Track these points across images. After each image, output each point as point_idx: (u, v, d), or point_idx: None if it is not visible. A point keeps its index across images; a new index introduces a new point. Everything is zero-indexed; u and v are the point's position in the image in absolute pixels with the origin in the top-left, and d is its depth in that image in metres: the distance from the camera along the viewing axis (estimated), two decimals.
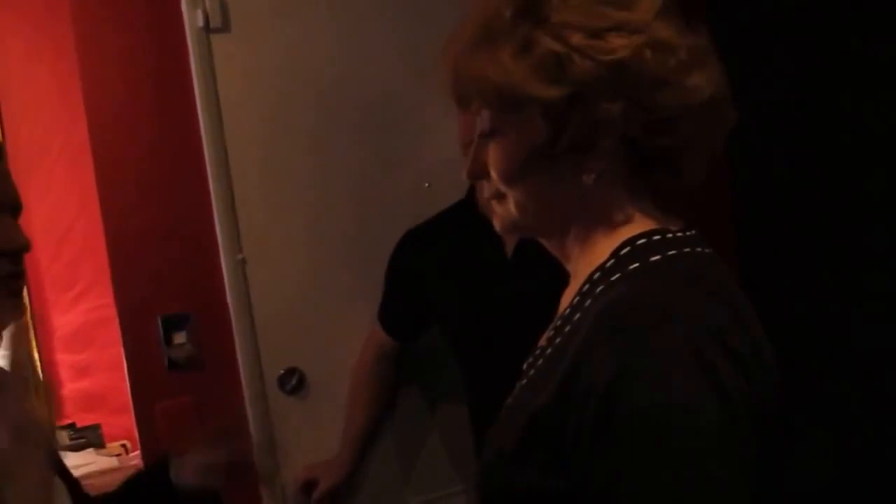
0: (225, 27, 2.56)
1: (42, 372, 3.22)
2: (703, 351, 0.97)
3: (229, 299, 2.58)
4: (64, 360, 3.28)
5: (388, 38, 2.67)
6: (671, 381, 0.95)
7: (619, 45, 1.04)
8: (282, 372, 2.60)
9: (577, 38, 1.04)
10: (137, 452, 2.69)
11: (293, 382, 2.60)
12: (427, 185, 2.65)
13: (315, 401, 2.62)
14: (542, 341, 1.21)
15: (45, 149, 3.24)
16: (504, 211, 1.19)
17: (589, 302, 1.10)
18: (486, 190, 1.21)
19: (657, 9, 1.08)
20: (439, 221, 2.40)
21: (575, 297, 1.14)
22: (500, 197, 1.18)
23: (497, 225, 1.22)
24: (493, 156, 1.16)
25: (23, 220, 1.44)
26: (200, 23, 2.53)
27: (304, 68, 2.62)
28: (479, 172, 1.20)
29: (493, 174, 1.16)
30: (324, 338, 2.63)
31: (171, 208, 2.58)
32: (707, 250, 1.13)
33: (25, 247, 1.38)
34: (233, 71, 2.57)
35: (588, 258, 1.15)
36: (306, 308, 2.62)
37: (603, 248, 1.13)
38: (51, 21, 3.14)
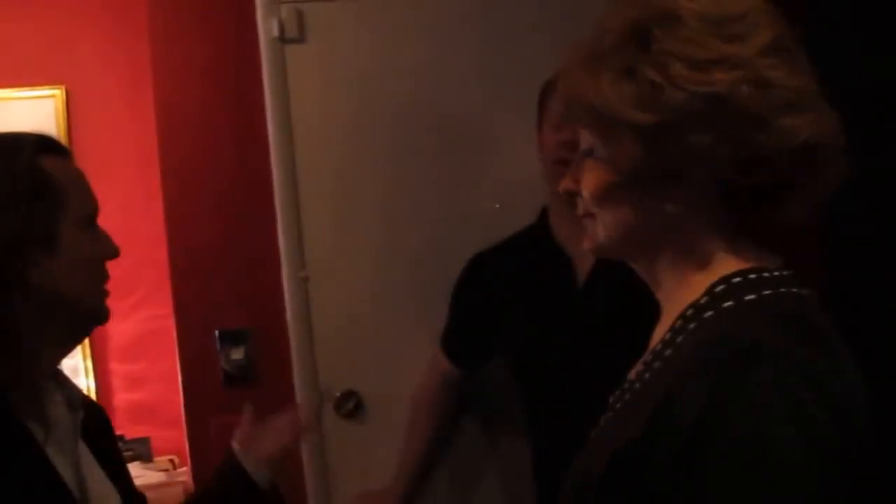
0: (301, 38, 2.53)
1: (95, 381, 3.21)
2: (793, 392, 0.97)
3: (289, 317, 2.55)
4: (117, 369, 3.26)
5: (467, 54, 2.63)
6: (760, 421, 0.96)
7: (718, 79, 1.05)
8: (339, 395, 2.54)
9: (677, 69, 1.06)
10: (186, 468, 2.64)
11: (350, 406, 2.54)
12: (497, 205, 2.58)
13: (372, 426, 2.56)
14: (632, 375, 1.21)
15: (112, 154, 3.24)
16: (593, 231, 1.20)
17: (681, 338, 1.11)
18: (579, 207, 1.23)
19: (765, 45, 1.08)
20: (509, 246, 2.33)
21: (667, 332, 1.14)
22: (591, 216, 1.20)
23: (586, 244, 1.23)
24: (586, 175, 1.18)
25: None
26: (275, 33, 2.52)
27: (380, 83, 2.59)
28: (572, 189, 1.22)
29: (584, 193, 1.19)
30: (385, 362, 2.57)
31: (236, 220, 2.56)
32: (804, 291, 1.12)
33: (118, 252, 1.49)
34: (306, 83, 2.55)
35: (680, 292, 1.15)
36: (368, 330, 2.57)
37: (696, 284, 1.13)
38: (123, 27, 3.16)
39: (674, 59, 1.06)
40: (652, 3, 1.11)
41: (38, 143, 1.41)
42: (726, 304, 1.08)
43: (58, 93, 3.29)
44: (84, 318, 1.45)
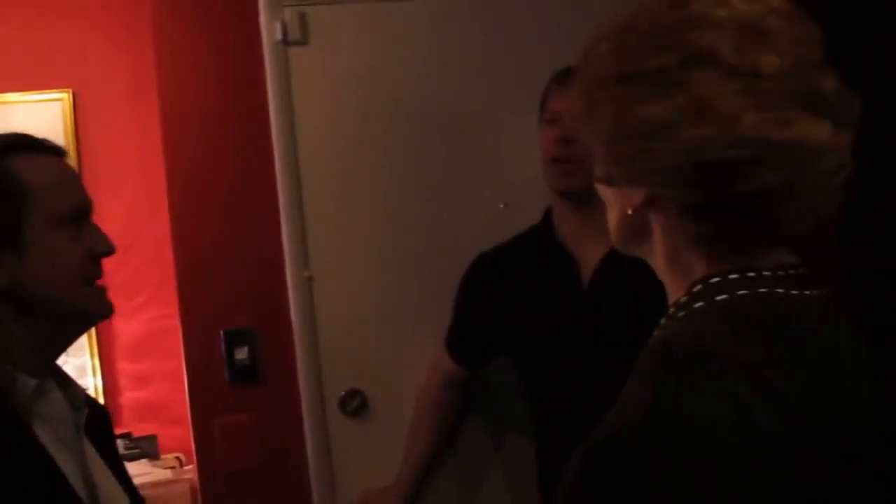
0: (304, 40, 2.55)
1: (102, 379, 3.24)
2: (735, 394, 0.96)
3: (294, 317, 2.56)
4: (124, 368, 3.29)
5: (469, 56, 2.64)
6: (700, 424, 0.95)
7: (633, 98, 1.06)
8: (343, 393, 2.56)
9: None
10: (192, 466, 2.67)
11: (355, 404, 2.56)
12: (502, 205, 2.59)
13: (376, 424, 2.57)
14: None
15: (118, 156, 3.28)
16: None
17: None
18: None
19: (684, 57, 1.03)
20: (513, 246, 2.33)
21: (657, 330, 1.14)
22: None
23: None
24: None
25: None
26: (278, 35, 2.53)
27: (382, 84, 2.60)
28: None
29: None
30: (389, 360, 2.58)
31: (241, 221, 2.58)
32: (795, 292, 1.07)
33: (111, 249, 1.46)
34: (310, 84, 2.56)
35: (672, 291, 1.15)
36: (372, 329, 2.59)
37: (682, 284, 1.12)
38: (129, 30, 3.19)
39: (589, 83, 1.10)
40: None
41: (6, 144, 1.40)
42: (697, 305, 1.07)
43: (65, 96, 3.33)
44: (67, 317, 1.43)
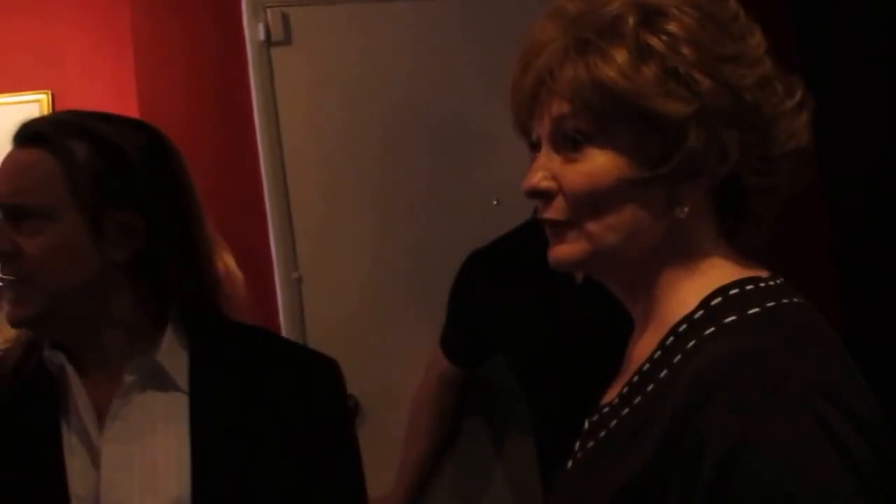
0: (286, 40, 2.56)
1: None
2: (826, 418, 0.88)
3: (282, 318, 2.55)
4: None
5: (456, 51, 2.64)
6: (800, 455, 0.87)
7: (740, 74, 1.00)
8: None
9: (698, 56, 0.99)
10: None
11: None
12: (495, 201, 2.58)
13: (370, 430, 2.54)
14: (612, 398, 1.10)
15: None
16: (568, 242, 1.07)
17: (678, 358, 0.99)
18: (548, 211, 1.08)
19: (764, 47, 1.04)
20: (507, 242, 2.31)
21: (655, 350, 1.03)
22: (567, 225, 1.06)
23: (554, 257, 1.10)
24: (579, 172, 1.03)
25: None
26: (262, 36, 2.55)
27: (366, 83, 2.61)
28: (550, 188, 1.06)
29: (574, 194, 1.04)
30: (381, 363, 2.57)
31: (227, 223, 2.53)
32: (801, 300, 1.02)
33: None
34: (293, 85, 2.57)
35: (667, 306, 1.05)
36: (363, 331, 2.57)
37: (687, 296, 1.03)
38: (109, 31, 3.15)
39: (687, 45, 0.98)
40: None
41: None
42: (729, 320, 0.97)
43: (43, 98, 3.29)
44: None
